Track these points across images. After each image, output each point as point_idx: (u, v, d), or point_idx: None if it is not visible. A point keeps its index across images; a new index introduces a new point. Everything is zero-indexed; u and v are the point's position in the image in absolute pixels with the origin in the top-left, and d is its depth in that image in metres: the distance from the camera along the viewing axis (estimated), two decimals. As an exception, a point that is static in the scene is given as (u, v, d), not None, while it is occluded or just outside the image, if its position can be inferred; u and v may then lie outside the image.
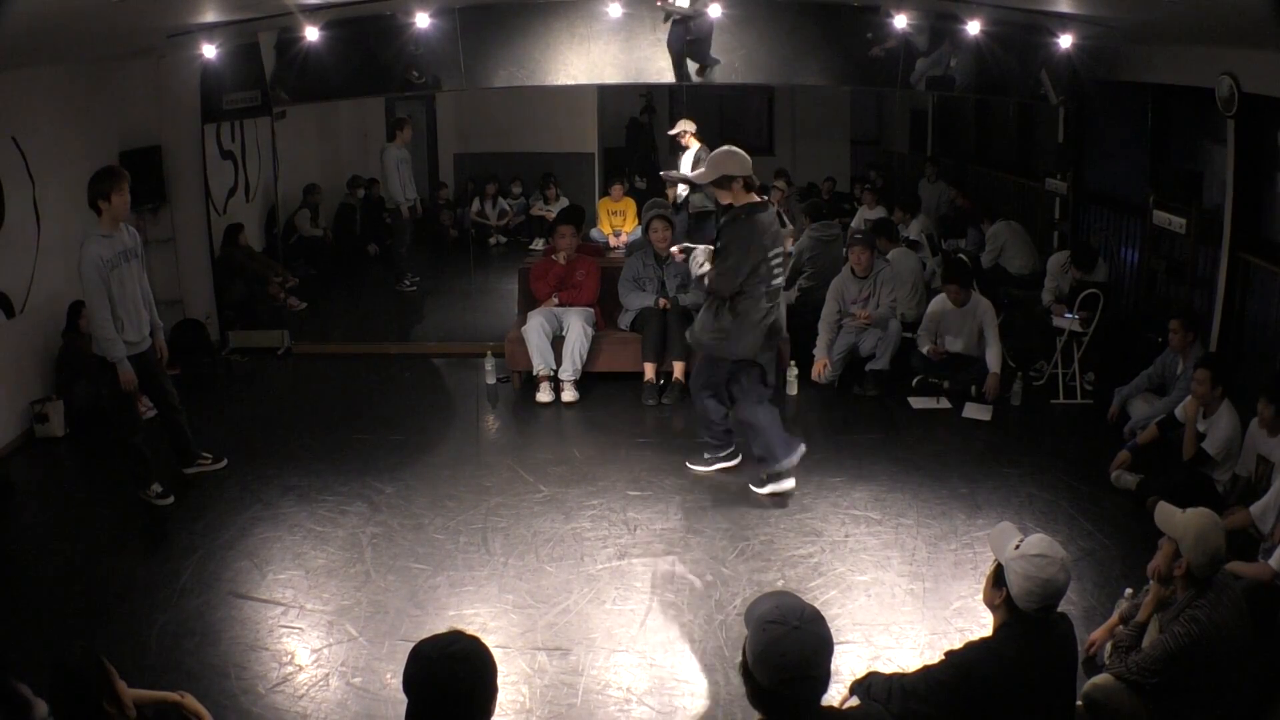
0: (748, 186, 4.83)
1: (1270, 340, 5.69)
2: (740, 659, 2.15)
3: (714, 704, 3.59)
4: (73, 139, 6.50)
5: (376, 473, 5.52)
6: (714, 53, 7.38)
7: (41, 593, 4.43)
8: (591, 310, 6.87)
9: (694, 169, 7.68)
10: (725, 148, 4.88)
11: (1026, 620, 2.66)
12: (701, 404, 5.33)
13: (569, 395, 6.61)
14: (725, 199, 4.87)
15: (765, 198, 5.07)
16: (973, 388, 6.55)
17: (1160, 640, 3.08)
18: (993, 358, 6.43)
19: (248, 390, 7.31)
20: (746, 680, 2.12)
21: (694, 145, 8.29)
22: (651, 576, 4.43)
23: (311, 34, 6.93)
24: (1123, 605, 3.74)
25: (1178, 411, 5.13)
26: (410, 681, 2.02)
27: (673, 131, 8.25)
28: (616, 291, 6.94)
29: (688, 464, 5.53)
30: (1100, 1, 5.86)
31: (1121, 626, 3.56)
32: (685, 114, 8.49)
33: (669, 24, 7.18)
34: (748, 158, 4.79)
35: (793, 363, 6.75)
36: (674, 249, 5.63)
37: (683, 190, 8.36)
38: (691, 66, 7.44)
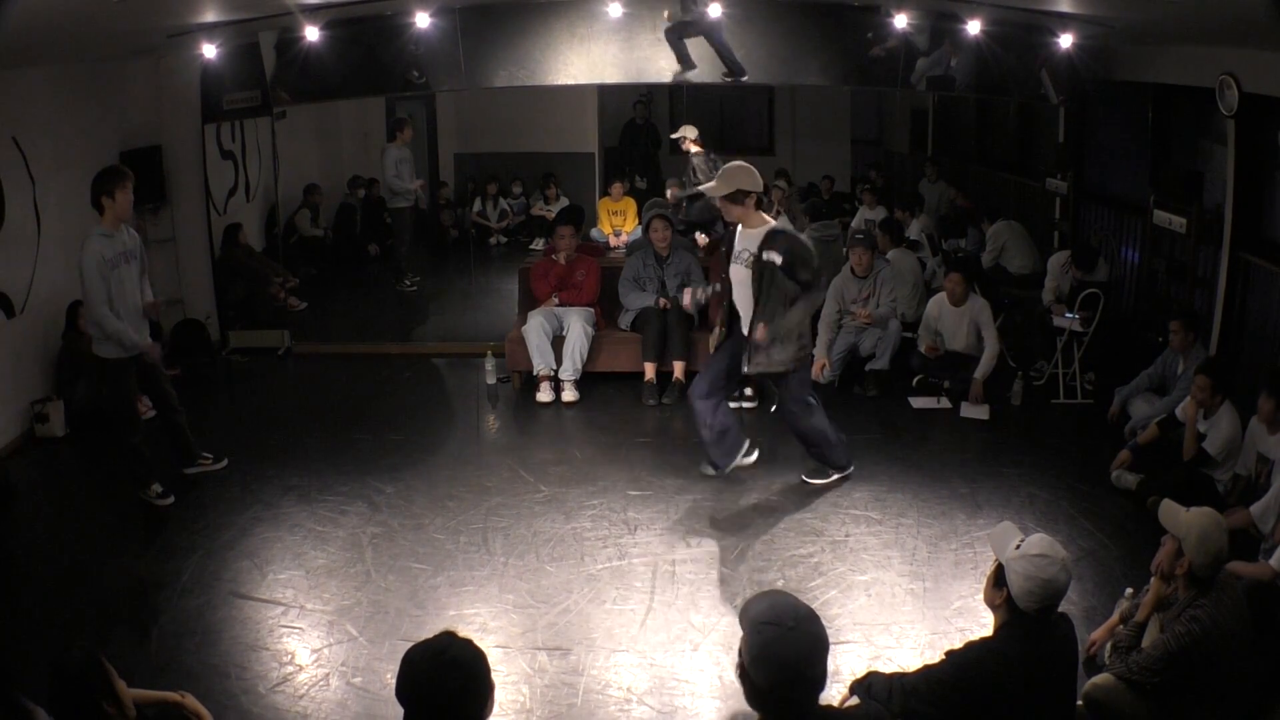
0: (759, 205, 4.73)
1: (1270, 340, 5.69)
2: (737, 660, 2.15)
3: (714, 704, 3.59)
4: (73, 139, 6.49)
5: (376, 473, 5.52)
6: (714, 52, 7.35)
7: (41, 593, 4.42)
8: (591, 310, 6.86)
9: (694, 178, 7.66)
10: (739, 163, 4.79)
11: (1027, 620, 2.66)
12: (808, 420, 5.13)
13: (569, 395, 6.61)
14: (735, 214, 4.75)
15: (775, 219, 4.98)
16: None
17: (1161, 640, 3.07)
18: (983, 361, 6.41)
19: (248, 390, 7.31)
20: (744, 681, 2.12)
21: (694, 150, 8.27)
22: (651, 576, 4.43)
23: (311, 34, 6.92)
24: (1123, 605, 3.74)
25: (1178, 411, 5.12)
26: (402, 691, 2.02)
27: (675, 136, 8.25)
28: (616, 291, 6.94)
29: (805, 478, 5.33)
30: (1100, 1, 5.86)
31: (1122, 626, 3.56)
32: (685, 114, 8.50)
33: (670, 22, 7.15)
34: (759, 176, 4.71)
35: (793, 363, 6.75)
36: (685, 301, 5.43)
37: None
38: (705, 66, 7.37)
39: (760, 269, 4.72)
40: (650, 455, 5.72)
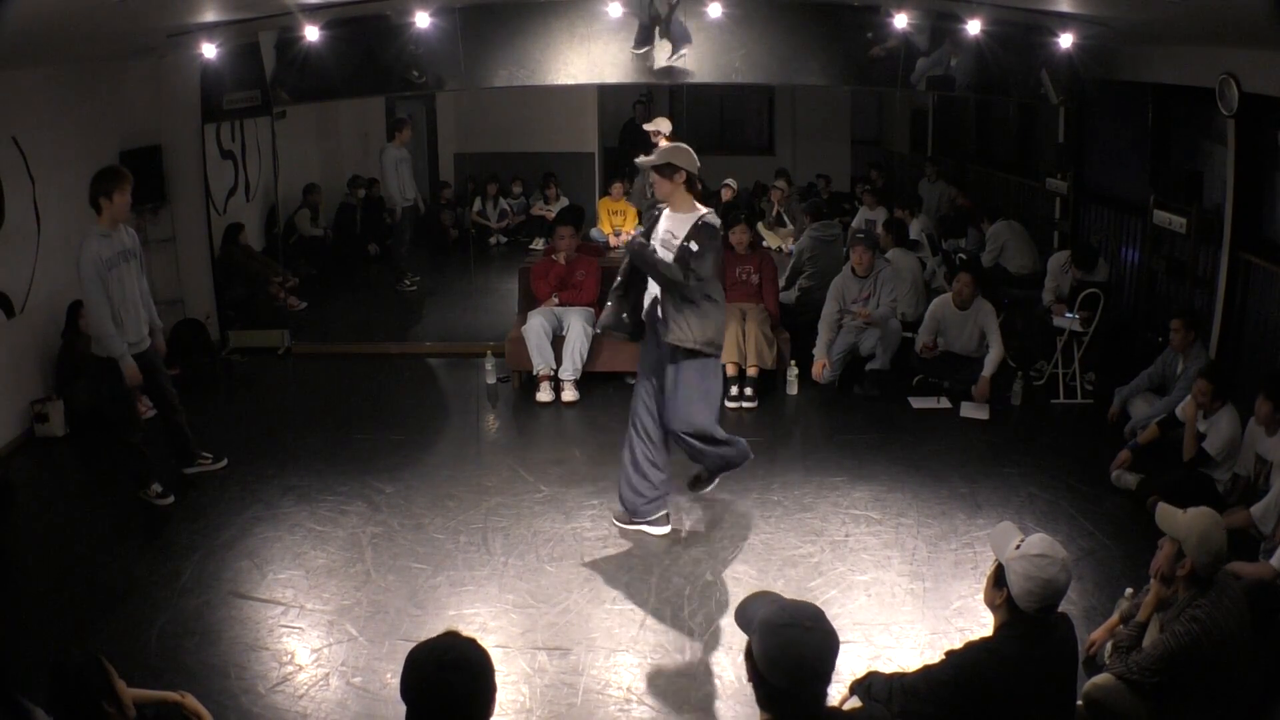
0: (689, 184, 4.60)
1: (1270, 340, 5.69)
2: (747, 664, 2.13)
3: (714, 704, 3.59)
4: (73, 139, 6.49)
5: (376, 473, 5.52)
6: (714, 52, 7.36)
7: (41, 593, 4.42)
8: (592, 310, 6.85)
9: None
10: (679, 144, 4.72)
11: (1027, 620, 2.65)
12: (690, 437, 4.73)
13: (569, 395, 6.61)
14: (663, 190, 4.61)
15: (708, 208, 4.78)
16: (973, 388, 6.54)
17: (1161, 640, 3.07)
18: (990, 361, 6.42)
19: (248, 390, 7.31)
20: (758, 685, 2.10)
21: (663, 145, 8.21)
22: (651, 576, 4.43)
23: (311, 34, 6.93)
24: (1123, 605, 3.74)
25: (1178, 411, 5.12)
26: (406, 692, 2.01)
27: (649, 127, 8.24)
28: (616, 291, 6.92)
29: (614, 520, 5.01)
30: (1100, 1, 5.86)
31: (1122, 626, 3.56)
32: (685, 114, 8.45)
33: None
34: (697, 160, 4.62)
35: (793, 363, 6.75)
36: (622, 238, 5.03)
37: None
38: (663, 53, 7.30)
39: (682, 254, 4.53)
40: (650, 455, 5.71)
